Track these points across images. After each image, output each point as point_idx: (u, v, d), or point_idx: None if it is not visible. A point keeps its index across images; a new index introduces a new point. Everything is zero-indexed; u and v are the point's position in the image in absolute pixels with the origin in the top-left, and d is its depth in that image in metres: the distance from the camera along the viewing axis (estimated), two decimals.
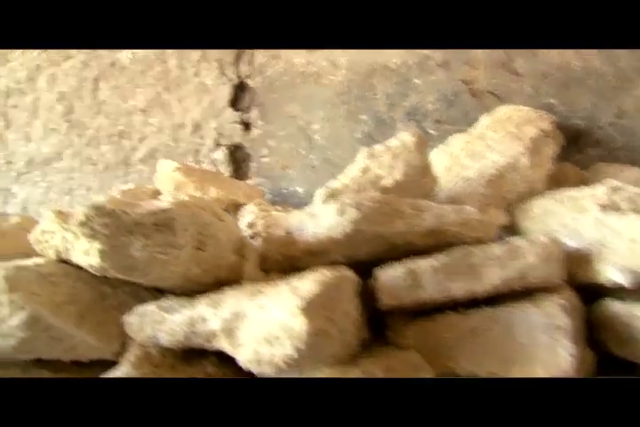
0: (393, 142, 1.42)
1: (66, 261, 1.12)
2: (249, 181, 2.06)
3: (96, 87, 2.13)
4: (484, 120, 1.76)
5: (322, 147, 2.00)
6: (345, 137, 1.97)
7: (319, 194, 1.99)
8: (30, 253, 1.22)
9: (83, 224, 0.92)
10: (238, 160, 2.10)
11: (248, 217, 1.67)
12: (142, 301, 1.15)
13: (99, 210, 0.91)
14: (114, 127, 2.14)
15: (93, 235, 0.94)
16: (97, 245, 0.95)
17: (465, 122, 1.84)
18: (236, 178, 2.07)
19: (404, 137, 1.40)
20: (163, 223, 0.95)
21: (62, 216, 1.00)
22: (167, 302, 1.07)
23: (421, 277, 1.03)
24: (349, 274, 0.98)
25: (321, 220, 1.07)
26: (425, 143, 1.42)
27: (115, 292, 1.14)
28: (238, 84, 2.07)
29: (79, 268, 1.10)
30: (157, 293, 1.09)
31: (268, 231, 1.18)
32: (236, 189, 1.81)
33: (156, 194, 1.84)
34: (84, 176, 2.19)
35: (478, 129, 1.74)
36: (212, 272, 1.08)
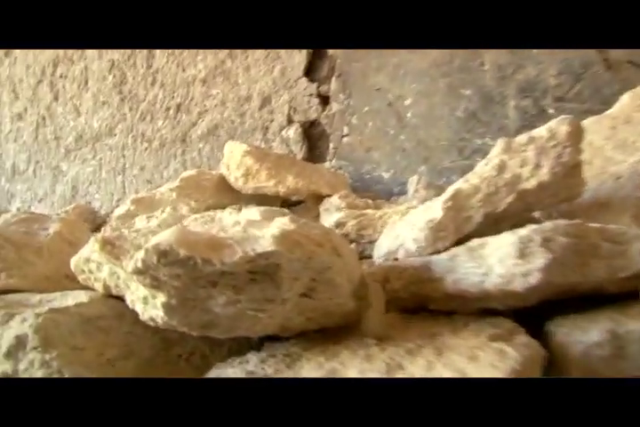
0: (539, 132, 1.03)
1: (118, 297, 0.79)
2: (325, 164, 1.70)
3: (150, 54, 1.77)
4: (628, 98, 1.34)
5: (414, 126, 1.61)
6: (443, 115, 1.58)
7: (413, 182, 1.64)
8: (72, 277, 0.90)
9: (140, 273, 0.58)
10: (314, 139, 1.73)
11: (335, 215, 1.32)
12: (219, 348, 0.82)
13: (166, 256, 0.57)
14: (170, 100, 1.79)
15: (157, 286, 0.60)
16: (161, 298, 0.62)
17: (597, 100, 1.43)
18: (310, 160, 1.71)
19: (556, 126, 1.01)
20: (263, 271, 0.61)
21: (110, 250, 0.67)
22: (256, 362, 0.73)
23: (628, 345, 0.66)
24: (537, 349, 0.63)
25: (488, 261, 0.71)
26: (581, 135, 1.02)
27: (183, 338, 0.81)
28: (315, 51, 1.69)
29: None
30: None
31: (399, 271, 0.84)
32: (318, 177, 1.46)
33: (221, 182, 1.49)
34: (138, 154, 1.86)
35: (620, 110, 1.33)
36: (319, 321, 0.74)
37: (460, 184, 1.08)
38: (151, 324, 0.68)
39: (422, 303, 0.87)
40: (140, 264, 0.58)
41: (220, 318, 0.66)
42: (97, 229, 1.83)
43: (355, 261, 0.74)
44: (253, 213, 0.81)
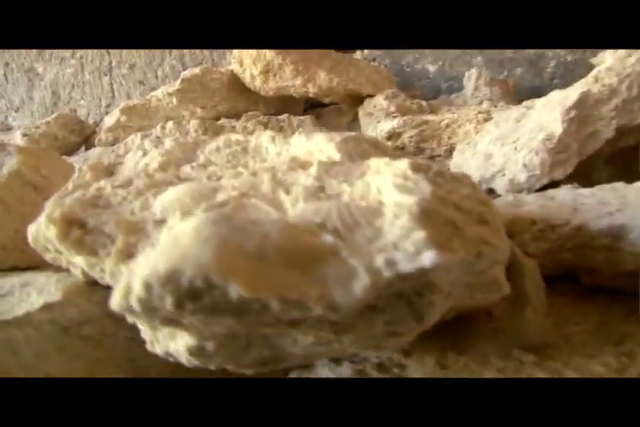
0: None
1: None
2: (355, 56, 1.30)
3: None
4: None
5: None
6: None
7: (471, 77, 1.25)
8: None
9: (140, 315, 0.25)
10: None
11: (386, 122, 0.96)
12: None
13: (197, 298, 0.24)
14: None
15: (177, 325, 0.28)
16: (187, 339, 0.29)
17: None
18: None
19: None
20: (396, 297, 0.28)
21: (79, 238, 0.34)
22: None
23: None
24: None
25: None
26: None
27: None
28: None
29: None
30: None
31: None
32: (356, 72, 1.08)
33: (233, 82, 1.11)
34: (125, 50, 1.44)
35: None
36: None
37: (589, 84, 0.71)
38: (169, 359, 0.36)
39: (567, 273, 0.55)
40: (137, 306, 0.25)
41: (290, 354, 0.34)
42: (86, 141, 1.48)
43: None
44: (318, 142, 0.47)
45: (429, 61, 1.28)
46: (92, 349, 0.46)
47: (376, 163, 0.40)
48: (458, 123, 0.93)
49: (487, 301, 0.41)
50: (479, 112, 0.95)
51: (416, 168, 0.37)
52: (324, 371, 0.47)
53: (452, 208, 0.34)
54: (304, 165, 0.45)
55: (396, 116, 0.98)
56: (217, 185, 0.40)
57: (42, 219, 0.44)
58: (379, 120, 0.99)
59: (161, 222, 0.35)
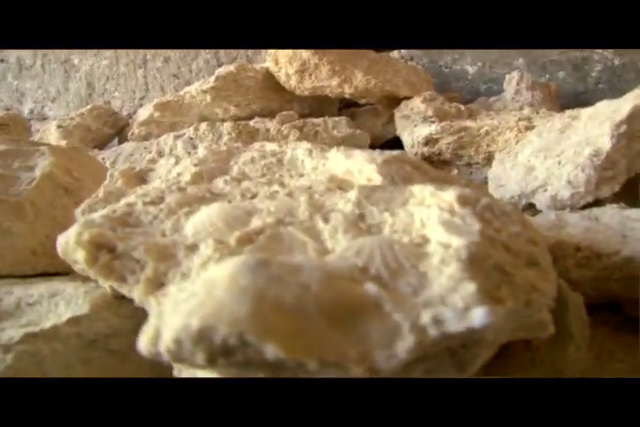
0: None
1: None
2: (393, 55, 1.27)
3: None
4: None
5: None
6: None
7: (512, 80, 1.21)
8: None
9: (174, 357, 0.24)
10: None
11: (423, 127, 0.94)
12: None
13: (230, 355, 0.22)
14: None
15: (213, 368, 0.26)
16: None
17: None
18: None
19: None
20: (443, 352, 0.26)
21: (108, 263, 0.33)
22: None
23: None
24: None
25: None
26: None
27: None
28: None
29: None
30: None
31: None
32: (393, 73, 1.05)
33: (267, 80, 1.09)
34: None
35: None
36: None
37: None
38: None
39: (610, 302, 0.52)
40: (166, 355, 0.24)
41: None
42: (119, 133, 1.48)
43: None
44: (358, 161, 0.44)
45: (468, 62, 1.24)
46: (119, 363, 0.46)
47: (420, 190, 0.38)
48: (498, 130, 0.89)
49: (529, 337, 0.39)
50: (520, 119, 0.92)
51: (463, 201, 0.35)
52: None
53: (502, 250, 0.32)
54: (342, 186, 0.43)
55: (433, 121, 0.95)
56: (251, 207, 0.38)
57: (72, 232, 0.43)
58: (415, 124, 0.97)
59: (193, 248, 0.34)
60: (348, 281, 0.27)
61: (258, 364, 0.24)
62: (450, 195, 0.36)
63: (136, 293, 0.33)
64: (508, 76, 1.13)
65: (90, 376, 0.44)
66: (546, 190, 0.69)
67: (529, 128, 0.89)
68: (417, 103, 1.02)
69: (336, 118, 0.98)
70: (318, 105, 1.13)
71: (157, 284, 0.32)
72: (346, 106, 1.19)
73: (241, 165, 0.53)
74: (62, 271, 0.59)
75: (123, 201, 0.42)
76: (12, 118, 1.52)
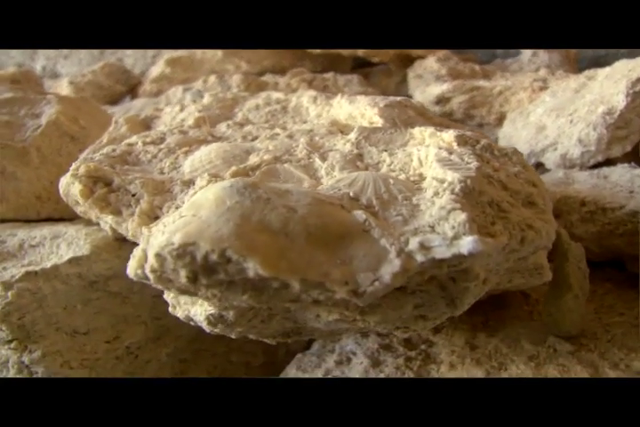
0: None
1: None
2: None
3: None
4: None
5: None
6: None
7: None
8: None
9: (155, 281, 0.24)
10: None
11: (436, 86, 0.92)
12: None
13: (212, 273, 0.22)
14: None
15: (194, 294, 0.26)
16: (205, 307, 0.28)
17: None
18: None
19: None
20: (429, 284, 0.25)
21: (103, 197, 0.33)
22: (366, 364, 0.42)
23: None
24: None
25: None
26: None
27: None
28: None
29: None
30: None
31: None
32: None
33: None
34: None
35: None
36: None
37: None
38: (190, 323, 0.36)
39: (613, 259, 0.52)
40: (151, 276, 0.24)
41: (313, 328, 0.32)
42: (132, 90, 1.47)
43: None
44: (361, 105, 0.44)
45: None
46: (118, 305, 0.46)
47: (420, 132, 0.38)
48: (511, 90, 0.87)
49: (526, 285, 0.39)
50: (535, 80, 0.90)
51: (463, 141, 0.34)
52: (349, 343, 0.46)
53: (499, 188, 0.31)
54: (344, 130, 0.42)
55: (446, 80, 0.93)
56: (250, 147, 0.38)
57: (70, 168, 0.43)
58: (428, 83, 0.95)
59: (189, 183, 0.34)
60: (337, 208, 0.26)
61: (241, 284, 0.24)
62: (449, 135, 0.35)
63: (130, 225, 0.33)
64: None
65: (89, 316, 0.45)
66: (556, 149, 0.68)
67: (543, 89, 0.87)
68: (431, 62, 0.99)
69: (348, 76, 0.96)
70: (330, 63, 1.11)
71: (152, 217, 0.32)
72: (359, 66, 1.17)
73: (245, 111, 0.52)
74: (67, 217, 0.60)
75: (124, 142, 0.42)
76: (24, 74, 1.51)
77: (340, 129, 0.42)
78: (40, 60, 1.75)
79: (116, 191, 0.34)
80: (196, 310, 0.32)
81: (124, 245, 0.48)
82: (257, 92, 0.87)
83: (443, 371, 0.42)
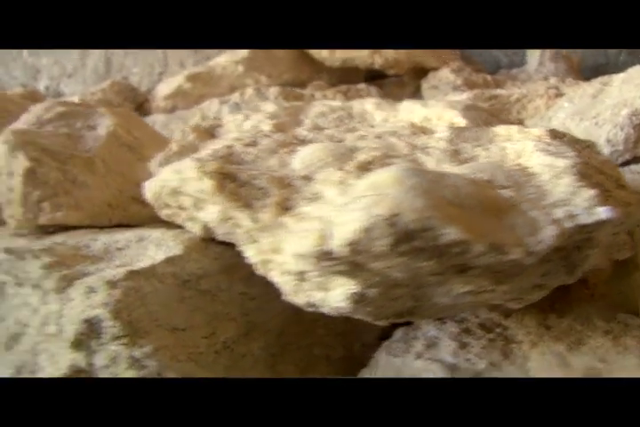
0: None
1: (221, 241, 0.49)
2: None
3: None
4: None
5: None
6: None
7: (535, 52, 1.23)
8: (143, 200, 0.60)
9: (331, 258, 0.27)
10: None
11: (455, 95, 0.96)
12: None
13: (412, 239, 0.25)
14: None
15: (350, 272, 0.29)
16: (349, 286, 0.31)
17: None
18: None
19: None
20: (563, 250, 0.29)
21: (234, 190, 0.35)
22: (452, 348, 0.45)
23: None
24: None
25: None
26: None
27: None
28: None
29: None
30: None
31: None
32: None
33: (297, 51, 1.11)
34: None
35: None
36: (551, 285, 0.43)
37: None
38: (308, 309, 0.38)
39: None
40: (342, 250, 0.27)
41: (430, 304, 0.36)
42: (138, 108, 1.49)
43: None
44: (437, 108, 0.47)
45: None
46: (209, 302, 0.48)
47: (505, 130, 0.41)
48: (528, 98, 0.92)
49: (603, 264, 0.42)
50: (548, 87, 0.95)
51: (553, 135, 0.38)
52: (430, 329, 0.49)
53: (597, 172, 0.35)
54: (424, 131, 0.46)
55: (464, 90, 0.97)
56: (352, 146, 0.41)
57: (187, 166, 0.45)
58: (446, 93, 0.99)
59: (307, 178, 0.37)
60: (487, 187, 0.30)
61: (429, 249, 0.26)
62: (539, 130, 0.39)
63: (264, 216, 0.35)
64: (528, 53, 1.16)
65: (185, 314, 0.47)
66: None
67: (558, 95, 0.92)
68: (446, 74, 1.04)
69: (371, 87, 1.00)
70: (345, 76, 1.15)
71: (284, 207, 0.35)
72: (372, 78, 1.21)
73: (312, 118, 0.55)
74: (133, 224, 0.62)
75: (219, 144, 0.45)
76: (31, 94, 1.53)
77: (421, 130, 0.46)
78: (43, 79, 1.76)
79: (244, 186, 0.37)
80: (328, 294, 0.35)
81: (210, 245, 0.51)
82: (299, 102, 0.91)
83: (525, 349, 0.45)
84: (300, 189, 0.36)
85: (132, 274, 0.45)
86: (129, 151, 0.66)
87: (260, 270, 0.42)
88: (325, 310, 0.37)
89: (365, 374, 0.48)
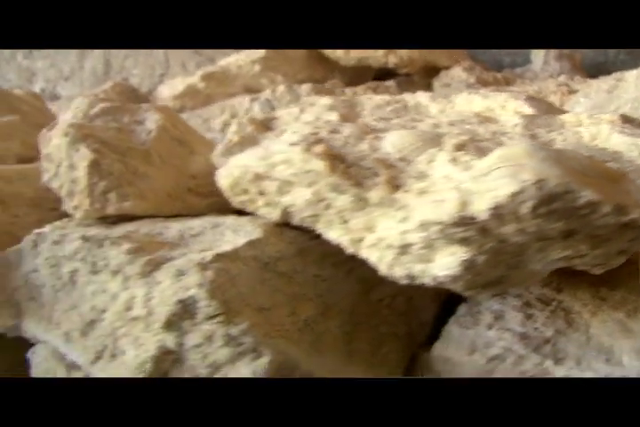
0: None
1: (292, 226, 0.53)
2: None
3: None
4: None
5: None
6: None
7: (539, 52, 1.29)
8: (197, 191, 0.63)
9: (465, 224, 0.30)
10: None
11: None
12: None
13: (552, 202, 0.28)
14: None
15: (466, 240, 0.33)
16: (459, 254, 0.35)
17: None
18: None
19: None
20: None
21: (345, 170, 0.38)
22: (519, 318, 0.49)
23: None
24: None
25: None
26: None
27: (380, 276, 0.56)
28: None
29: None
30: None
31: None
32: None
33: (311, 51, 1.14)
34: None
35: None
36: None
37: None
38: (402, 282, 0.41)
39: None
40: (483, 213, 0.30)
41: (518, 274, 0.39)
42: None
43: None
44: (500, 99, 0.51)
45: None
46: (287, 284, 0.51)
47: (574, 116, 0.45)
48: (542, 95, 0.97)
49: None
50: (559, 84, 1.00)
51: (625, 119, 0.42)
52: (492, 304, 0.52)
53: None
54: (489, 120, 0.50)
55: (478, 88, 1.02)
56: (436, 132, 0.44)
57: (252, 162, 0.48)
58: (460, 91, 1.03)
59: (404, 160, 0.40)
60: (597, 160, 0.33)
61: (562, 211, 0.30)
62: (611, 115, 0.43)
63: (375, 194, 0.38)
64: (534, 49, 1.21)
65: (267, 295, 0.49)
66: None
67: (571, 92, 0.97)
68: (458, 72, 1.09)
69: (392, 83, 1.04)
70: (356, 75, 1.18)
71: (394, 185, 0.38)
72: (382, 76, 1.25)
73: (370, 110, 0.59)
74: (192, 214, 0.64)
75: (306, 131, 0.48)
76: (31, 96, 1.53)
77: (487, 119, 0.49)
78: (39, 82, 1.76)
79: (353, 166, 0.40)
80: (428, 266, 0.38)
81: (284, 229, 0.53)
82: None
83: (586, 317, 0.49)
84: (404, 169, 0.39)
85: (220, 257, 0.47)
86: (179, 145, 0.68)
87: (348, 249, 0.45)
88: (425, 280, 0.40)
89: (439, 346, 0.51)
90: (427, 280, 0.40)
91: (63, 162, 0.61)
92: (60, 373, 0.57)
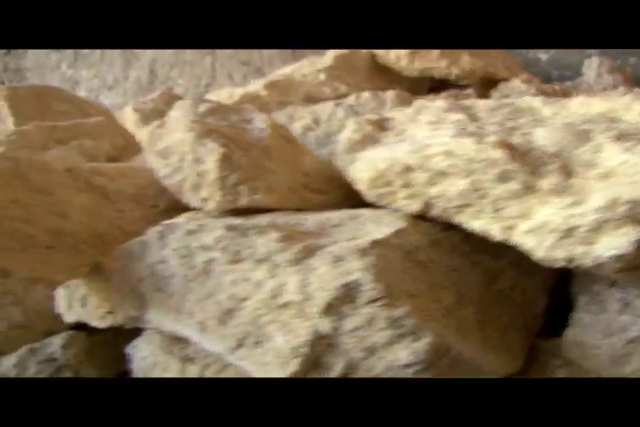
0: None
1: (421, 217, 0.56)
2: None
3: None
4: None
5: None
6: None
7: (592, 65, 1.34)
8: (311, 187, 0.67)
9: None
10: None
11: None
12: (535, 279, 0.62)
13: None
14: None
15: None
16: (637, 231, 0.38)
17: None
18: None
19: None
20: None
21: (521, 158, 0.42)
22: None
23: None
24: None
25: None
26: None
27: (502, 268, 0.60)
28: None
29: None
30: None
31: None
32: (492, 57, 1.16)
33: (374, 62, 1.19)
34: None
35: None
36: None
37: None
38: (558, 264, 0.45)
39: None
40: None
41: None
42: None
43: None
44: (621, 101, 0.55)
45: (541, 50, 1.37)
46: (423, 273, 0.54)
47: None
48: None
49: None
50: (623, 94, 1.04)
51: None
52: (611, 292, 0.55)
53: None
54: (614, 120, 0.54)
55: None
56: (577, 129, 0.48)
57: (401, 155, 0.52)
58: None
59: (562, 152, 0.44)
60: None
61: None
62: None
63: (549, 181, 0.42)
64: (586, 61, 1.26)
65: (410, 282, 0.52)
66: None
67: None
68: (517, 84, 1.13)
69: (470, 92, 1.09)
70: (413, 86, 1.23)
71: (566, 172, 0.42)
72: (435, 88, 1.29)
73: (483, 113, 0.63)
74: (309, 209, 0.67)
75: (451, 127, 0.51)
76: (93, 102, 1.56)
77: (610, 120, 0.53)
78: (82, 91, 1.79)
79: (526, 155, 0.44)
80: (592, 248, 0.41)
81: (418, 222, 0.57)
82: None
83: None
84: (569, 158, 0.43)
85: (376, 244, 0.50)
86: (288, 143, 0.71)
87: (497, 236, 0.49)
88: (584, 261, 0.43)
89: (571, 332, 0.54)
90: (586, 262, 0.43)
91: (187, 156, 0.64)
92: (174, 366, 0.59)
